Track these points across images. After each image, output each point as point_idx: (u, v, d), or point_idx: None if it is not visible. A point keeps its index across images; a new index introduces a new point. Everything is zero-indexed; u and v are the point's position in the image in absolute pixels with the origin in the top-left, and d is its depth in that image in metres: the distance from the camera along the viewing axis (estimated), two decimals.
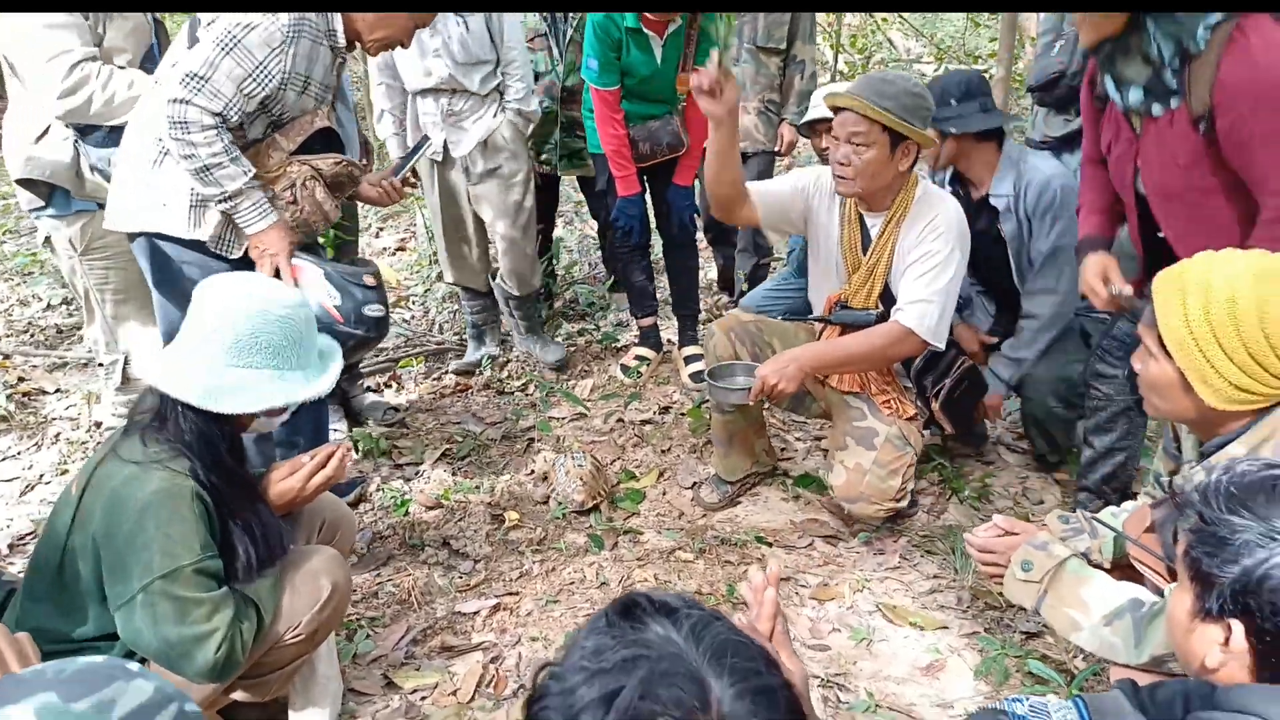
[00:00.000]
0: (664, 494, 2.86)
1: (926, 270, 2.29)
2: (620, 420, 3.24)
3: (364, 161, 2.47)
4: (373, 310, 2.23)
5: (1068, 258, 2.49)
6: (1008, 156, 2.58)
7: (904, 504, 2.51)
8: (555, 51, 3.47)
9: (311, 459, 1.85)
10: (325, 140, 2.21)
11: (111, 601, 1.59)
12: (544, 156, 3.63)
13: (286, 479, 1.82)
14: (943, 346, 2.35)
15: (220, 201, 2.08)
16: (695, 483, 2.86)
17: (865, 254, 2.42)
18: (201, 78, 1.96)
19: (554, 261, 4.19)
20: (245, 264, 2.19)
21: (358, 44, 2.23)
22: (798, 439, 3.14)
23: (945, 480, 2.79)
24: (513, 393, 3.53)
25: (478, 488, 2.83)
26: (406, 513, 2.73)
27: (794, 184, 2.51)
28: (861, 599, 2.35)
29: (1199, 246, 1.47)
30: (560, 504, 2.73)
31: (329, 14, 2.12)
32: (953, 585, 2.37)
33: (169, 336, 2.23)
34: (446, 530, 2.65)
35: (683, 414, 3.24)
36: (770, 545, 2.58)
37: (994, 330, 2.80)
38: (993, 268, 2.69)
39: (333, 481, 1.86)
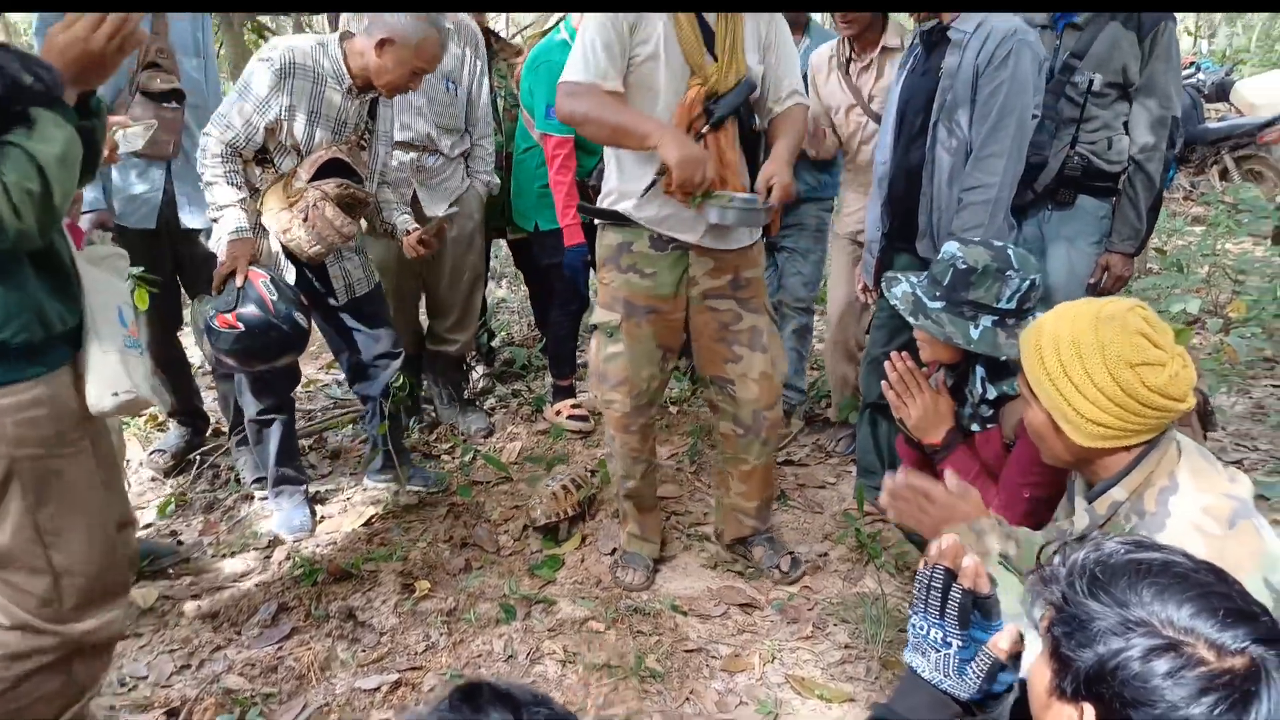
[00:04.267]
0: (583, 560, 2.81)
1: (787, 40, 2.42)
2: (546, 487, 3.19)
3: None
4: (299, 318, 2.56)
5: (1015, 121, 2.40)
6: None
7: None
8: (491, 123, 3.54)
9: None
10: (339, 170, 2.61)
11: None
12: (496, 222, 3.72)
13: (66, 30, 1.44)
14: None
15: (213, 210, 2.57)
16: (615, 548, 2.83)
17: (714, 42, 2.26)
18: (222, 115, 2.54)
19: (490, 322, 4.19)
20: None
21: (373, 88, 2.63)
22: None
23: (862, 546, 2.78)
24: (439, 456, 3.49)
25: (390, 555, 2.77)
26: (314, 582, 2.65)
27: (617, 36, 2.22)
28: (771, 670, 2.31)
29: None
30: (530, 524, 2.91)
31: (336, 58, 2.59)
32: (863, 655, 2.34)
33: None
34: (353, 601, 2.58)
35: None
36: (685, 614, 2.54)
37: (887, 235, 2.72)
38: (912, 109, 2.56)
39: (123, 29, 1.45)
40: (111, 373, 1.67)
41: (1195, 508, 1.38)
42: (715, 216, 2.24)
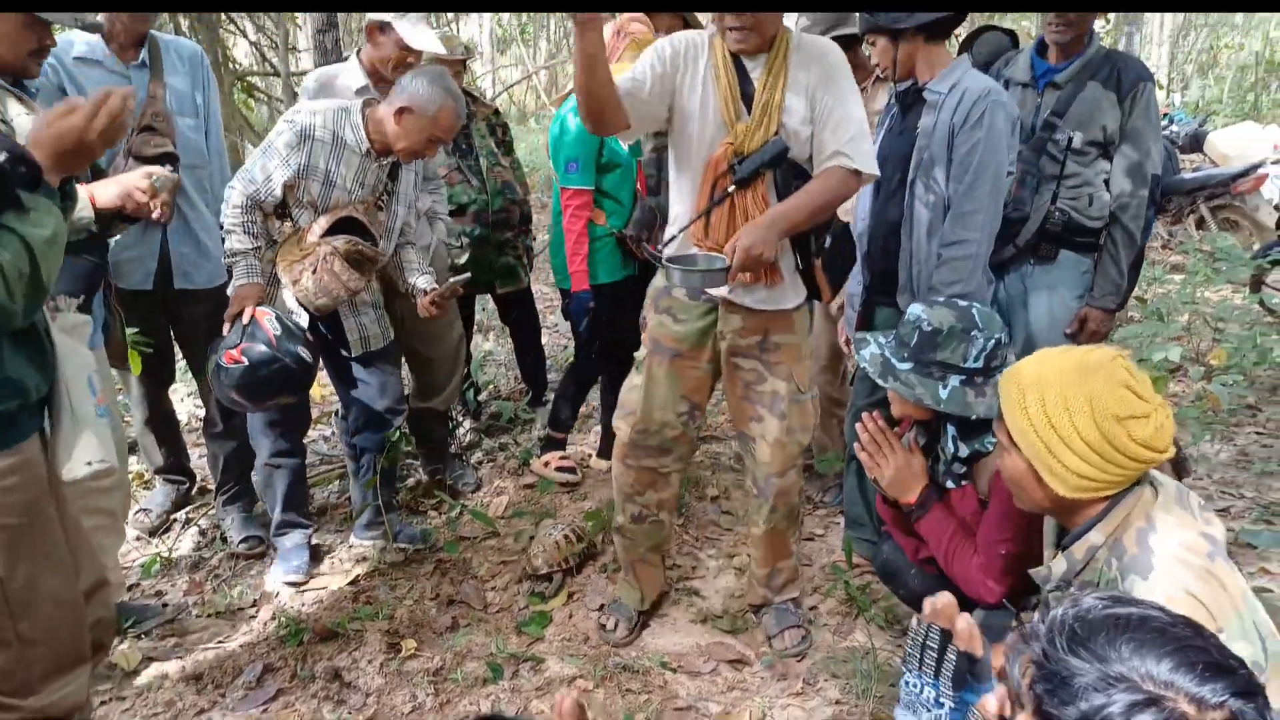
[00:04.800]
0: (570, 616, 2.79)
1: (842, 95, 2.26)
2: (533, 539, 3.18)
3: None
4: (303, 353, 2.63)
5: (990, 178, 2.43)
6: (959, 63, 2.53)
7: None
8: (474, 181, 3.58)
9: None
10: (353, 229, 2.73)
11: None
12: (484, 277, 3.70)
13: (63, 118, 1.50)
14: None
15: (227, 256, 2.72)
16: (603, 604, 2.81)
17: (751, 100, 2.27)
18: (247, 169, 2.70)
19: (476, 376, 4.20)
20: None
21: (391, 153, 2.72)
22: (710, 555, 3.12)
23: (852, 599, 2.77)
24: (425, 512, 3.47)
25: (376, 614, 2.75)
26: (300, 642, 2.62)
27: (660, 66, 2.28)
28: None
29: None
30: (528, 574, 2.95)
31: (357, 124, 2.68)
32: (854, 711, 2.32)
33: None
34: (339, 661, 2.55)
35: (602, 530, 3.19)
36: (675, 671, 2.52)
37: (868, 288, 2.74)
38: (890, 166, 2.59)
39: (117, 120, 1.54)
40: (85, 444, 1.67)
41: (1175, 543, 1.40)
42: (678, 279, 2.27)
